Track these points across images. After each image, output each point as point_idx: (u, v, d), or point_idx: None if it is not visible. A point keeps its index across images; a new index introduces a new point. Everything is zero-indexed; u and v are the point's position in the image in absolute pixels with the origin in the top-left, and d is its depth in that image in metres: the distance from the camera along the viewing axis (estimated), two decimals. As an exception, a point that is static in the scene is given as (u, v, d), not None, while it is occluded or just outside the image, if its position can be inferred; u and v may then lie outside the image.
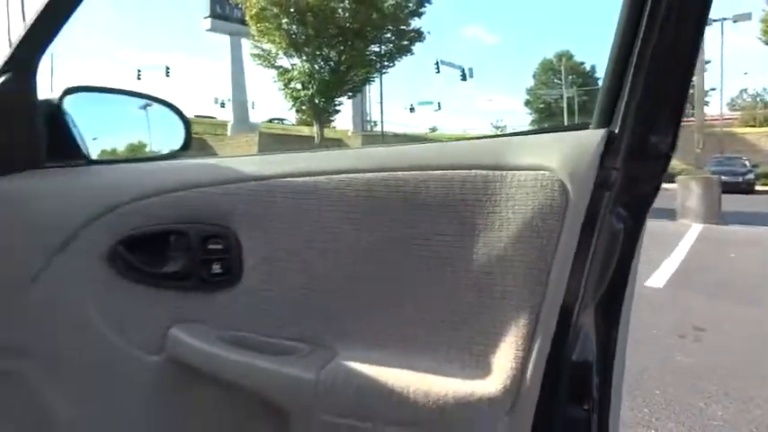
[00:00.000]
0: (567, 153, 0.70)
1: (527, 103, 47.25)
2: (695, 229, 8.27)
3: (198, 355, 0.81)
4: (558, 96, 41.80)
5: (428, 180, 0.75)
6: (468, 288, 0.73)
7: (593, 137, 0.70)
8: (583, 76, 43.04)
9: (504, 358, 0.71)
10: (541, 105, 44.93)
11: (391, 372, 0.74)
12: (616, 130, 0.71)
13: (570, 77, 42.52)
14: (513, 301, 0.71)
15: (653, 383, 2.65)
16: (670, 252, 6.10)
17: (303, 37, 19.96)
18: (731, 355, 3.03)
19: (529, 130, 0.89)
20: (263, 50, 20.78)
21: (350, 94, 22.60)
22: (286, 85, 21.06)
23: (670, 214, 9.72)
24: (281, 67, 21.01)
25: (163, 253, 0.86)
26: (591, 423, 0.71)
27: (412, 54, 21.76)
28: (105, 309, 0.87)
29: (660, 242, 6.82)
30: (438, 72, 33.92)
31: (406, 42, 21.37)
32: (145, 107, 1.12)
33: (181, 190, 0.86)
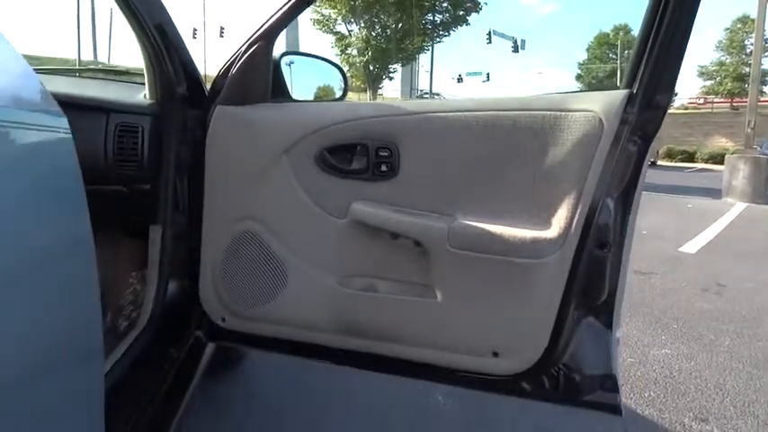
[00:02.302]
0: (605, 103, 1.21)
1: (578, 78, 46.57)
2: (738, 207, 8.49)
3: (371, 217, 1.36)
4: (611, 71, 40.97)
5: (520, 117, 1.27)
6: (541, 182, 1.25)
7: (621, 94, 1.21)
8: (640, 52, 41.82)
9: (558, 220, 1.23)
10: (593, 81, 44.19)
11: (491, 226, 1.27)
12: (634, 91, 1.21)
13: (626, 52, 41.59)
14: (566, 188, 1.23)
15: (672, 320, 3.13)
16: (708, 226, 6.44)
17: (362, 3, 20.39)
18: (747, 305, 3.46)
19: (581, 90, 1.42)
20: (322, 15, 21.32)
21: (403, 62, 22.98)
22: (343, 51, 21.60)
23: (716, 194, 9.89)
24: (339, 32, 21.56)
25: (350, 157, 1.40)
26: (608, 261, 1.24)
27: (467, 24, 21.93)
28: (311, 190, 1.43)
29: (701, 217, 7.13)
30: (489, 42, 33.76)
31: (462, 12, 21.56)
32: (322, 66, 1.67)
33: (362, 119, 1.40)
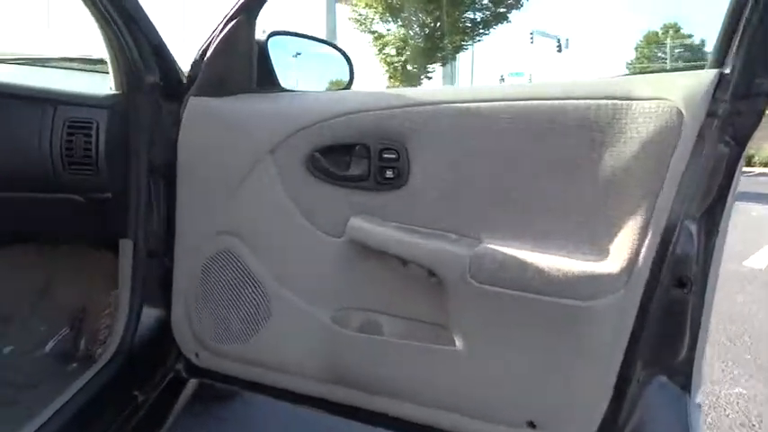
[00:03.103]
0: (685, 87, 0.88)
1: (626, 78, 45.00)
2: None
3: (373, 237, 1.07)
4: (661, 71, 39.54)
5: (566, 108, 0.95)
6: (596, 193, 0.93)
7: (707, 75, 0.88)
8: (691, 50, 40.44)
9: (621, 247, 0.91)
10: (642, 81, 42.62)
11: (527, 253, 0.96)
12: (727, 71, 0.88)
13: (677, 51, 40.08)
14: (631, 204, 0.91)
15: (744, 350, 2.73)
16: (773, 235, 5.89)
17: (400, 1, 20.07)
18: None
19: (650, 71, 1.08)
20: (360, 15, 21.08)
21: (443, 61, 22.57)
22: (380, 51, 21.32)
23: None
24: (377, 32, 21.27)
25: (347, 160, 1.11)
26: (689, 303, 0.91)
27: (508, 22, 21.33)
28: (300, 201, 1.14)
29: (765, 226, 6.57)
30: (532, 42, 32.96)
31: (503, 9, 20.98)
32: (320, 50, 1.39)
33: (362, 112, 1.10)
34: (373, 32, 21.22)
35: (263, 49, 1.24)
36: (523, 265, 0.95)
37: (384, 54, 20.96)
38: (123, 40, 1.18)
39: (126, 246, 1.32)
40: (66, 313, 1.58)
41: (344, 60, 1.37)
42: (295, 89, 1.30)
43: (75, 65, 1.58)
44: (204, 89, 1.21)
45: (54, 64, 1.58)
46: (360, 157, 1.10)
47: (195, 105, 1.21)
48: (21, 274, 1.58)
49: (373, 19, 20.88)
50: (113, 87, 1.27)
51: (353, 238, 1.09)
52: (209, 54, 1.19)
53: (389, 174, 1.08)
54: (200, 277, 1.24)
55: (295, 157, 1.13)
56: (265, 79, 1.25)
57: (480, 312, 0.99)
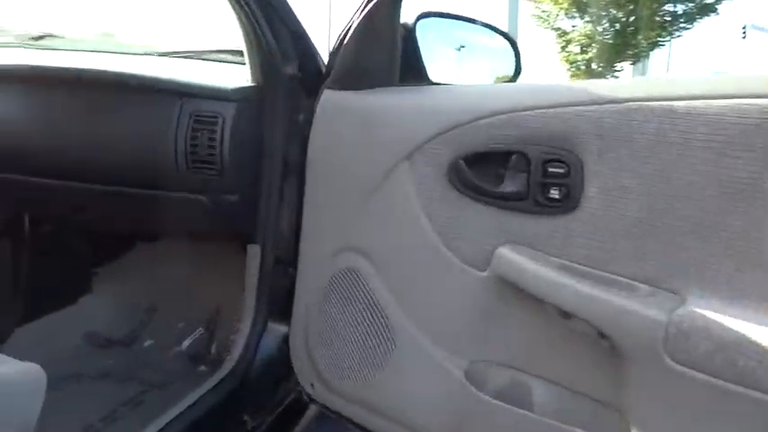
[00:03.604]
0: None
1: None
2: None
3: (527, 276, 0.81)
4: None
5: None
6: None
7: None
8: None
9: None
10: None
11: (754, 327, 0.64)
12: None
13: None
14: None
15: None
16: None
17: (589, -5, 18.83)
18: None
19: None
20: (543, 11, 20.17)
21: (633, 59, 20.73)
22: (563, 48, 20.19)
23: None
24: (560, 28, 20.17)
25: (500, 172, 0.87)
26: None
27: (716, 14, 18.87)
28: (438, 220, 0.92)
29: None
30: (744, 37, 28.92)
31: (710, 1, 18.61)
32: (480, 35, 1.15)
33: (522, 111, 0.85)
34: (556, 29, 20.14)
35: (409, 34, 1.04)
36: (748, 344, 0.63)
37: (566, 52, 19.80)
38: (258, 27, 1.06)
39: (253, 251, 1.21)
40: (204, 313, 1.54)
41: (510, 48, 1.12)
42: (445, 82, 1.08)
43: (212, 56, 1.52)
44: (340, 81, 1.04)
45: (189, 56, 1.54)
46: (516, 170, 0.85)
47: (329, 100, 1.04)
48: (165, 267, 1.58)
49: (557, 15, 19.81)
50: (250, 79, 1.16)
51: (500, 273, 0.85)
52: (346, 40, 1.02)
53: (555, 193, 0.81)
54: (322, 296, 1.09)
55: (435, 165, 0.92)
56: (411, 70, 1.05)
57: (676, 403, 0.69)
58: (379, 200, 0.99)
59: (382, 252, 1.00)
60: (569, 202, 0.80)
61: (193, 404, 1.10)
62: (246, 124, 1.09)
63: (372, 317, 1.01)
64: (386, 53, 1.02)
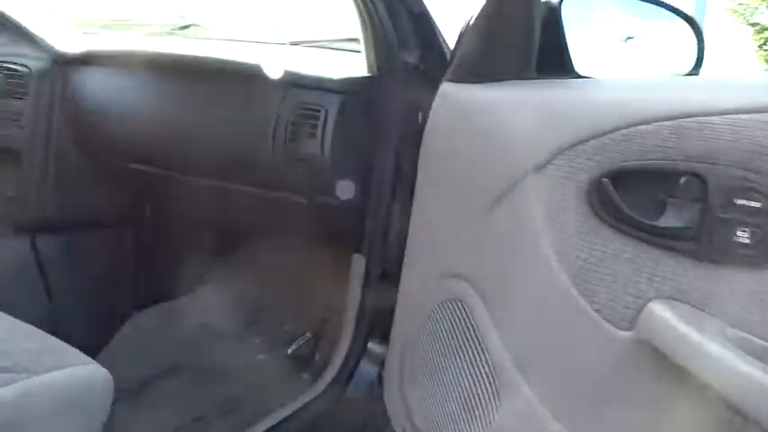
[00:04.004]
0: None
1: None
2: None
3: (688, 349, 0.58)
4: None
5: None
6: None
7: None
8: None
9: None
10: None
11: None
12: None
13: None
14: None
15: None
16: None
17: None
18: None
19: None
20: (739, 5, 17.91)
21: None
22: (761, 46, 17.80)
23: None
24: (758, 23, 17.78)
25: (660, 198, 0.64)
26: None
27: None
28: (570, 252, 0.71)
29: None
30: None
31: None
32: (646, 16, 0.89)
33: (699, 116, 0.61)
34: (754, 24, 17.73)
35: (553, 15, 0.82)
36: None
37: (765, 50, 17.33)
38: (373, 6, 0.92)
39: (358, 262, 1.08)
40: (313, 317, 1.45)
41: (689, 32, 0.85)
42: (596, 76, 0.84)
43: (350, 46, 1.40)
44: (461, 72, 0.86)
45: (322, 45, 1.44)
46: (686, 198, 0.61)
47: (446, 94, 0.87)
48: (279, 266, 1.51)
49: (756, 8, 17.42)
50: (366, 68, 1.02)
51: (648, 337, 0.62)
52: (472, 21, 0.84)
53: (743, 236, 0.57)
54: (423, 325, 0.92)
55: (572, 182, 0.70)
56: (552, 59, 0.84)
57: None
58: (496, 219, 0.80)
59: (495, 285, 0.81)
60: (762, 252, 0.55)
61: (287, 418, 1.00)
62: (353, 119, 0.95)
63: (477, 360, 0.82)
64: (520, 37, 0.82)
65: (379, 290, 1.08)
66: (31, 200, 1.19)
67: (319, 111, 0.93)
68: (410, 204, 0.97)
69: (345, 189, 0.99)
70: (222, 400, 1.28)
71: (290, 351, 1.44)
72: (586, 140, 0.69)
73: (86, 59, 1.14)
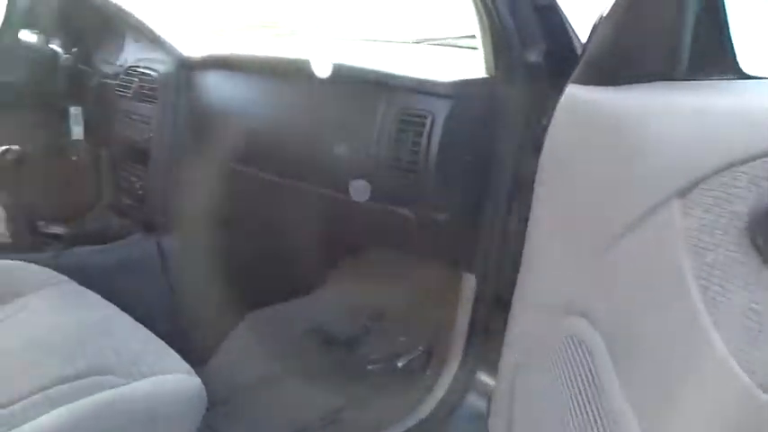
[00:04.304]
0: None
1: None
2: None
3: None
4: None
5: None
6: None
7: None
8: None
9: None
10: None
11: None
12: None
13: None
14: None
15: None
16: None
17: None
18: None
19: None
20: None
21: None
22: None
23: None
24: None
25: None
26: None
27: None
28: (719, 299, 0.56)
29: None
30: None
31: None
32: None
33: None
34: None
35: (714, 2, 0.66)
36: None
37: None
38: (493, 2, 0.81)
39: (468, 283, 0.99)
40: (427, 331, 1.38)
41: None
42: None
43: (455, 42, 1.29)
44: (592, 72, 0.73)
45: (448, 43, 1.34)
46: None
47: (574, 97, 0.74)
48: (397, 277, 1.46)
49: None
50: (485, 69, 0.92)
51: None
52: (606, 13, 0.70)
53: None
54: (534, 362, 0.81)
55: (726, 212, 0.55)
56: (711, 55, 0.68)
57: None
58: (628, 250, 0.66)
59: (621, 326, 0.67)
60: None
61: None
62: (463, 127, 0.86)
63: (592, 412, 0.69)
64: (667, 28, 0.67)
65: (489, 314, 0.98)
66: (156, 199, 1.24)
67: (425, 117, 0.85)
68: (525, 219, 0.85)
69: (454, 203, 0.90)
70: (326, 412, 1.25)
71: (400, 364, 1.38)
72: (752, 160, 0.53)
73: (207, 63, 1.16)
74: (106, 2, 1.39)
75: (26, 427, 0.64)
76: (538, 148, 0.81)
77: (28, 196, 1.18)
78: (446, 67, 1.02)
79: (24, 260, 1.00)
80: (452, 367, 1.04)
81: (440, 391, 1.06)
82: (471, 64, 0.95)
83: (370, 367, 1.41)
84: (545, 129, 0.80)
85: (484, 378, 0.99)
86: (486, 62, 0.90)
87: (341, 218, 1.13)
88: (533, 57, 0.85)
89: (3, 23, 1.24)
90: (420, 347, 1.37)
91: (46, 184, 1.62)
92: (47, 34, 1.64)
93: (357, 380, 1.39)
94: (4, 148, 1.11)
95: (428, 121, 0.84)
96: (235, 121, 1.12)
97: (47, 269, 0.98)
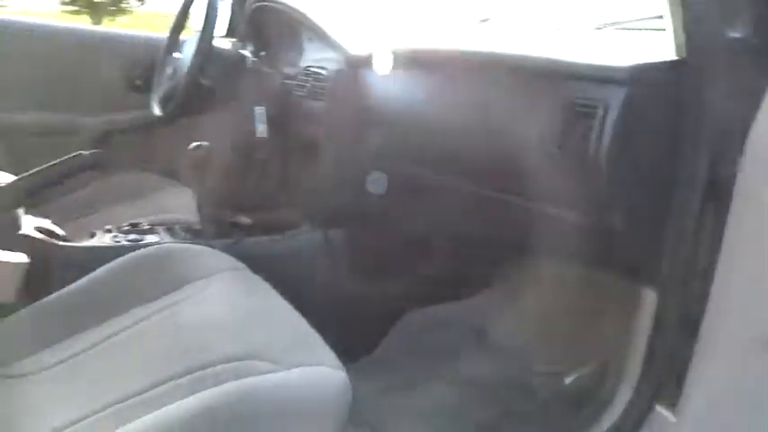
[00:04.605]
0: None
1: None
2: None
3: None
4: None
5: None
6: None
7: None
8: None
9: None
10: None
11: None
12: None
13: None
14: None
15: None
16: None
17: None
18: None
19: None
20: None
21: None
22: None
23: None
24: None
25: None
26: None
27: None
28: None
29: None
30: None
31: None
32: None
33: None
34: None
35: None
36: None
37: None
38: None
39: (648, 298, 0.86)
40: (601, 347, 1.25)
41: None
42: None
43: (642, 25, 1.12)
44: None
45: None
46: None
47: None
48: (558, 287, 1.35)
49: None
50: (674, 52, 0.78)
51: None
52: None
53: None
54: (722, 404, 0.67)
55: None
56: None
57: None
58: None
59: None
60: None
61: None
62: (642, 117, 0.74)
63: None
64: None
65: (672, 337, 0.84)
66: (324, 193, 1.28)
67: (596, 107, 0.74)
68: (719, 229, 0.71)
69: (629, 207, 0.78)
70: (482, 422, 1.19)
71: (567, 381, 1.27)
72: None
73: (374, 59, 1.16)
74: (292, 8, 1.47)
75: (174, 404, 0.68)
76: (739, 143, 0.67)
77: (215, 188, 1.29)
78: (628, 52, 0.90)
79: (208, 245, 1.08)
80: (626, 393, 0.92)
81: (609, 418, 0.95)
82: (658, 47, 0.82)
83: (533, 380, 1.31)
84: (749, 121, 0.66)
85: (663, 411, 0.86)
86: (677, 42, 0.76)
87: (505, 220, 1.06)
88: (736, 32, 0.70)
89: (201, 33, 1.37)
90: (590, 365, 1.24)
91: (231, 177, 1.78)
92: (240, 40, 1.81)
93: (518, 392, 1.30)
94: (195, 144, 1.22)
95: (599, 112, 0.74)
96: (398, 118, 1.11)
97: (226, 255, 1.05)
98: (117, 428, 0.65)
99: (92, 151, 1.10)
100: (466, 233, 1.27)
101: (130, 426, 0.66)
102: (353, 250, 1.32)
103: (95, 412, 0.71)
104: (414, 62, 1.05)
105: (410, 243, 1.36)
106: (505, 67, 0.87)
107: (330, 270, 1.29)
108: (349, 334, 1.30)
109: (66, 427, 0.70)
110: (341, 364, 0.80)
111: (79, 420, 0.70)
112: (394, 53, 1.11)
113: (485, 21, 1.63)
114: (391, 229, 1.31)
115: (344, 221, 1.30)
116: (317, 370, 0.76)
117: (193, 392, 0.69)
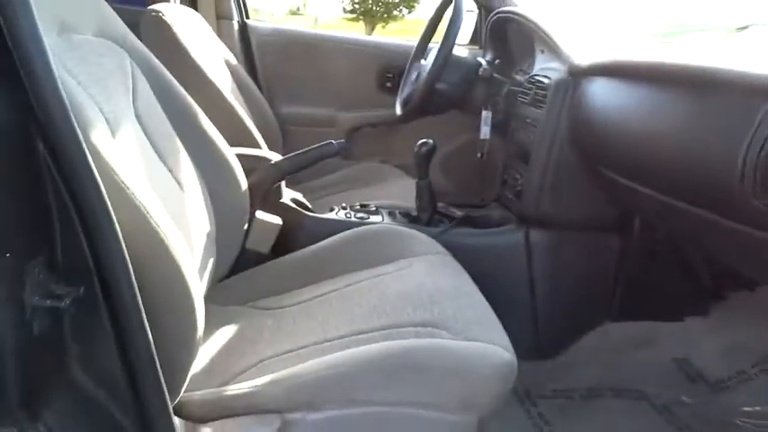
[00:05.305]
0: None
1: None
2: None
3: None
4: None
5: None
6: None
7: None
8: None
9: None
10: None
11: None
12: None
13: None
14: None
15: None
16: None
17: None
18: None
19: None
20: None
21: None
22: None
23: None
24: None
25: None
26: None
27: None
28: None
29: None
30: None
31: None
32: None
33: None
34: None
35: None
36: None
37: None
38: None
39: None
40: None
41: None
42: None
43: None
44: None
45: None
46: None
47: None
48: None
49: None
50: None
51: None
52: None
53: None
54: None
55: None
56: None
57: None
58: None
59: None
60: None
61: None
62: None
63: None
64: None
65: None
66: (531, 195, 1.33)
67: None
68: None
69: None
70: None
71: None
72: None
73: (595, 70, 1.18)
74: (528, 19, 1.55)
75: (357, 349, 0.83)
76: None
77: (435, 181, 1.43)
78: None
79: (420, 230, 1.23)
80: None
81: None
82: None
83: (739, 421, 1.21)
84: None
85: None
86: None
87: (718, 242, 1.00)
88: None
89: (442, 42, 1.53)
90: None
91: (450, 173, 1.91)
92: (481, 48, 1.93)
93: (720, 430, 1.21)
94: (422, 141, 1.37)
95: None
96: (613, 129, 1.11)
97: (434, 241, 1.19)
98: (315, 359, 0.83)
99: (338, 141, 1.33)
100: (682, 255, 1.21)
101: (329, 356, 0.83)
102: (557, 252, 1.35)
103: (301, 347, 0.90)
104: (637, 75, 1.05)
105: (615, 254, 1.34)
106: (721, 84, 0.83)
107: (526, 269, 1.34)
108: (534, 332, 1.34)
109: (278, 355, 0.90)
110: (513, 350, 0.86)
111: (288, 352, 0.90)
112: (618, 65, 1.12)
113: (743, 29, 1.50)
114: (601, 237, 1.31)
115: (550, 223, 1.34)
116: (489, 347, 0.84)
117: (378, 341, 0.83)
